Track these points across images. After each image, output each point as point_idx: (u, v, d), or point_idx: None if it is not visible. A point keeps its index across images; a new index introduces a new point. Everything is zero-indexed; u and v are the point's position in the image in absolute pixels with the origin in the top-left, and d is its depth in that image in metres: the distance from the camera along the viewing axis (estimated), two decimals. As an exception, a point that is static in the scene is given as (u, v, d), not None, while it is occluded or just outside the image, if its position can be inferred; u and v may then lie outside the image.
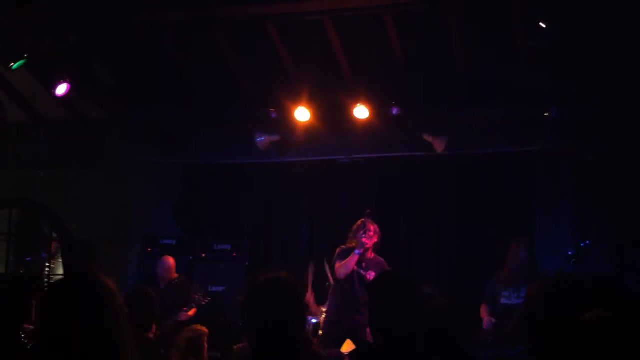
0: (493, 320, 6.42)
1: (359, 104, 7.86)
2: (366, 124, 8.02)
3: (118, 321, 2.13)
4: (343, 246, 6.78)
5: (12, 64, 6.91)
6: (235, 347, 6.51)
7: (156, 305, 4.87)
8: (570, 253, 7.07)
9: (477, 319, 6.54)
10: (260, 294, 2.74)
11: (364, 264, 6.64)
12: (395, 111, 7.86)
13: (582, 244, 7.07)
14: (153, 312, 4.82)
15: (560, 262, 7.17)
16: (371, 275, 6.50)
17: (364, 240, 6.57)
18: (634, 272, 7.05)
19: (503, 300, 6.50)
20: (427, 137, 7.94)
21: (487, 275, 6.90)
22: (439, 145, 7.93)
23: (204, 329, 5.77)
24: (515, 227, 7.93)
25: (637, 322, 1.77)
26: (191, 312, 7.47)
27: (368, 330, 3.95)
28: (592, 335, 1.76)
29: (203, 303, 7.59)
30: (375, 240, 6.70)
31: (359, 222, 6.71)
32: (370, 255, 6.69)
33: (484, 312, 6.62)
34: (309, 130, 8.26)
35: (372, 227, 6.69)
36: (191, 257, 8.77)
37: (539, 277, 6.08)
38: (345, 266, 6.60)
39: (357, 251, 6.57)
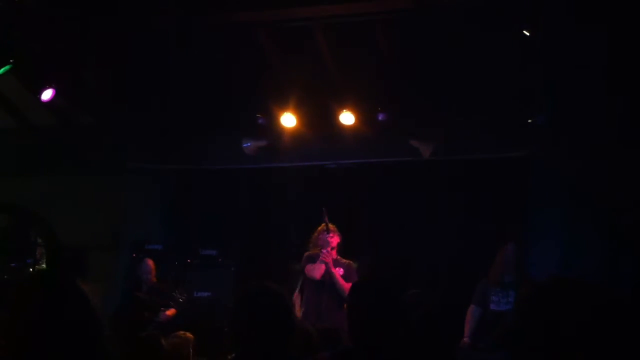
0: (469, 341, 6.46)
1: (344, 110, 7.87)
2: (353, 129, 8.02)
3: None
4: (307, 253, 6.84)
5: (-2, 69, 6.89)
6: (229, 357, 6.45)
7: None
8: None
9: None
10: (247, 302, 2.75)
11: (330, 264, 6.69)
12: (381, 117, 7.88)
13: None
14: None
15: (550, 269, 7.20)
16: (340, 271, 6.60)
17: (329, 239, 6.66)
18: (626, 280, 7.06)
19: (492, 307, 6.52)
20: (414, 143, 7.96)
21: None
22: (426, 151, 7.95)
23: (189, 335, 5.70)
24: (506, 232, 7.92)
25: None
26: (169, 312, 7.47)
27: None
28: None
29: (180, 300, 7.57)
30: (337, 240, 6.76)
31: (321, 225, 6.77)
32: (335, 255, 6.74)
33: (469, 317, 6.60)
34: (296, 136, 8.26)
35: (332, 227, 6.76)
36: (177, 263, 8.75)
37: (527, 281, 6.15)
38: (317, 268, 6.65)
39: (323, 251, 6.63)
